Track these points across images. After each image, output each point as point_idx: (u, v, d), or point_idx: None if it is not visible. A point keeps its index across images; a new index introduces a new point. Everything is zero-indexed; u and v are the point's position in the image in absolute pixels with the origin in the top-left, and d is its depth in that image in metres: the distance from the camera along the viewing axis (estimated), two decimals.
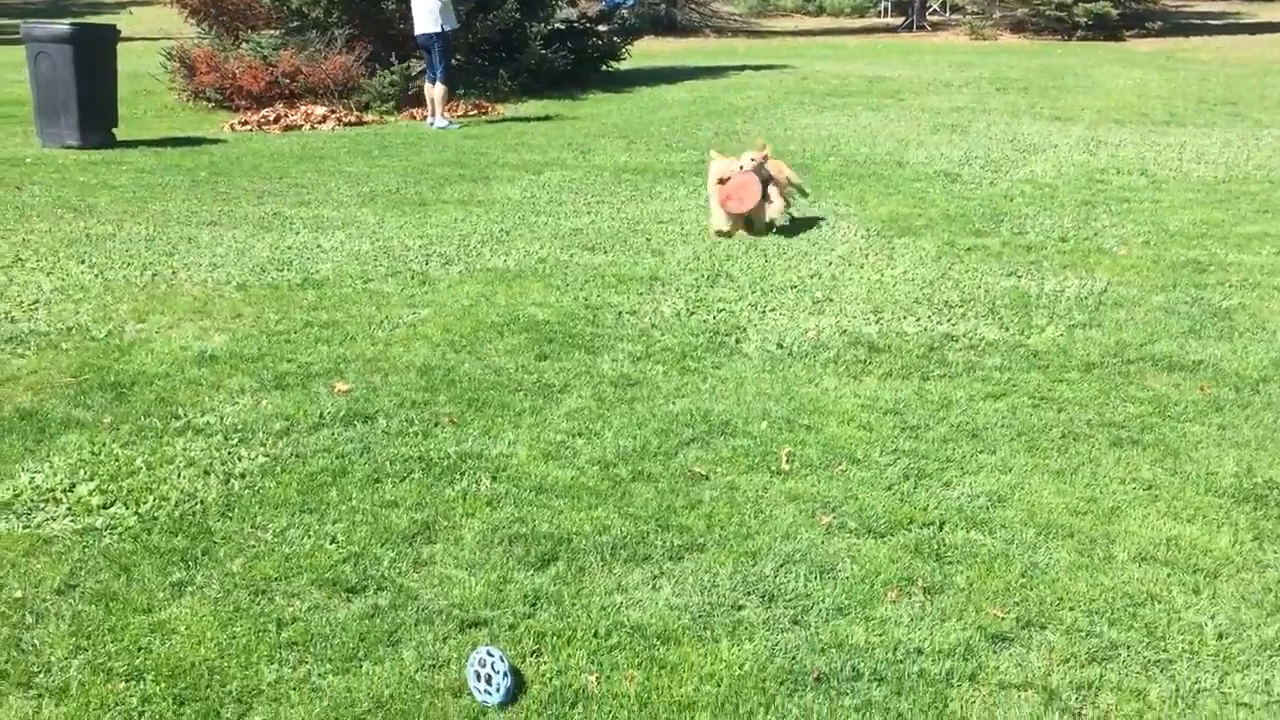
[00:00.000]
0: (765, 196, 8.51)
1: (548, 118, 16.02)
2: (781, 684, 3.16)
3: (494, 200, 10.26)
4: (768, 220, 8.72)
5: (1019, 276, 7.55)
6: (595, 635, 3.37)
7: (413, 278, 7.59)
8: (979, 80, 20.62)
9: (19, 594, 3.53)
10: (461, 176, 11.34)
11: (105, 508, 4.13)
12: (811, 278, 7.57)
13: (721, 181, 8.44)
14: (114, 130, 12.76)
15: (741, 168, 8.43)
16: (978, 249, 8.30)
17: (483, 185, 10.95)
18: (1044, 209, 9.66)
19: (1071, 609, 3.59)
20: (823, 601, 3.60)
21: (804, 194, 9.57)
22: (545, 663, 3.24)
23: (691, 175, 11.49)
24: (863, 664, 3.26)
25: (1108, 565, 3.86)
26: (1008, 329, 6.44)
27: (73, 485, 4.28)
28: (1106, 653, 3.36)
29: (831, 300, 7.04)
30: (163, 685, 3.09)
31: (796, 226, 9.11)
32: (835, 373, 5.76)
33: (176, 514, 4.10)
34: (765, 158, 8.60)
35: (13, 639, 3.29)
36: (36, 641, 3.28)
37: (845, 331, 6.41)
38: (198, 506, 4.16)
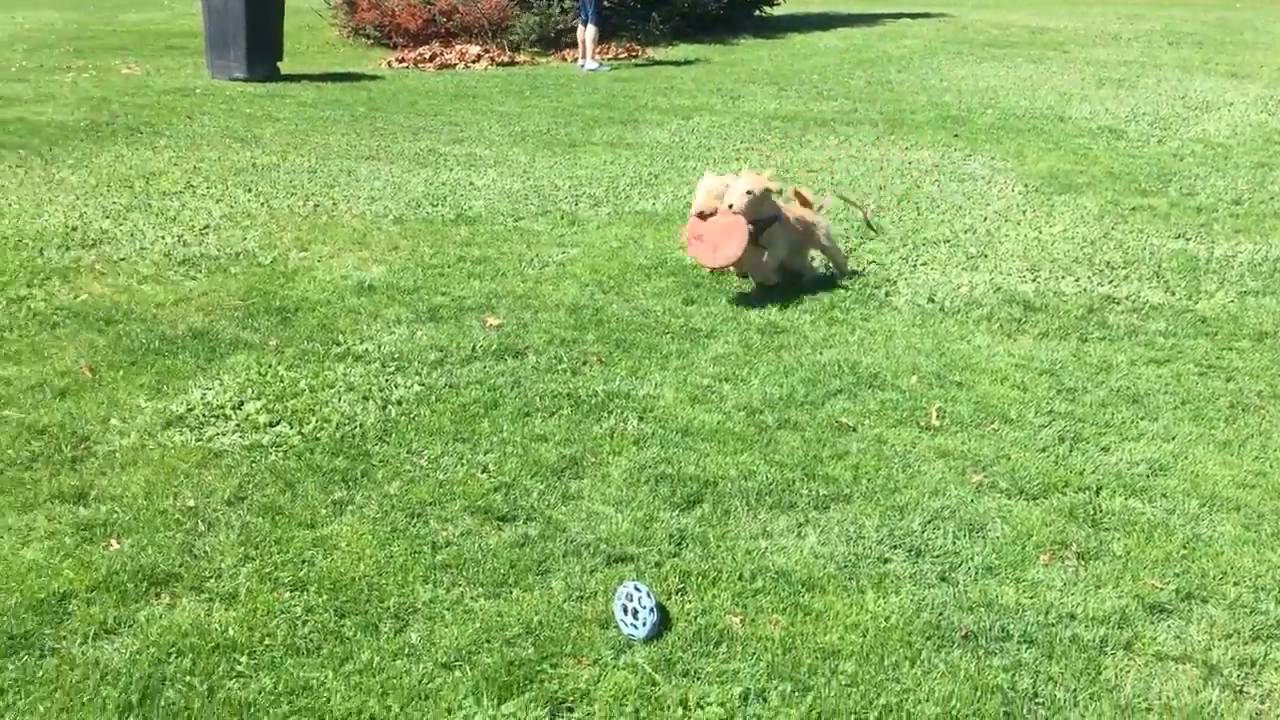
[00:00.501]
0: (755, 242, 5.97)
1: (698, 62, 15.89)
2: (928, 639, 3.13)
3: (643, 143, 10.26)
4: (761, 280, 6.19)
5: (1187, 239, 7.22)
6: (740, 578, 3.39)
7: (562, 218, 7.65)
8: (1149, 33, 19.67)
9: (192, 503, 3.71)
10: (611, 119, 11.36)
11: (271, 426, 4.31)
12: (966, 232, 7.38)
13: (701, 217, 5.91)
14: (279, 64, 13.14)
15: (730, 206, 5.81)
16: (1143, 209, 7.97)
17: (632, 128, 10.95)
18: (1216, 170, 9.21)
19: (1235, 584, 3.46)
20: (972, 560, 3.54)
21: (841, 270, 6.51)
22: (690, 601, 3.28)
23: (842, 125, 11.29)
24: (1012, 625, 3.20)
25: (1277, 541, 3.70)
26: (1174, 293, 6.18)
27: (241, 403, 4.47)
28: (1272, 630, 3.24)
29: (986, 256, 6.86)
30: (325, 597, 3.22)
31: (951, 179, 8.88)
32: (989, 330, 5.62)
33: (337, 435, 4.25)
34: (769, 190, 5.97)
35: (186, 545, 3.46)
36: (208, 549, 3.45)
37: (1000, 289, 6.24)
38: (357, 430, 4.31)
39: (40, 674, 2.81)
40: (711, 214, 5.83)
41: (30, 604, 3.09)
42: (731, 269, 6.14)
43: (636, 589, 3.16)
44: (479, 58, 15.25)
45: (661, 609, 3.17)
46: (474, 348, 5.20)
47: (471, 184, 8.48)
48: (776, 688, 2.90)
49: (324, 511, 3.69)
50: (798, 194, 6.51)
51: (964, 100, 12.69)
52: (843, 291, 6.17)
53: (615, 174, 8.98)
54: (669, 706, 2.81)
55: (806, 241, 6.33)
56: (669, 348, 5.30)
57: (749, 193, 5.83)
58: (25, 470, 3.84)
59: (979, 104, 12.45)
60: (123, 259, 6.23)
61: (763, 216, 5.97)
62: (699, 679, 2.93)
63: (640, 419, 4.50)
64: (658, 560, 3.49)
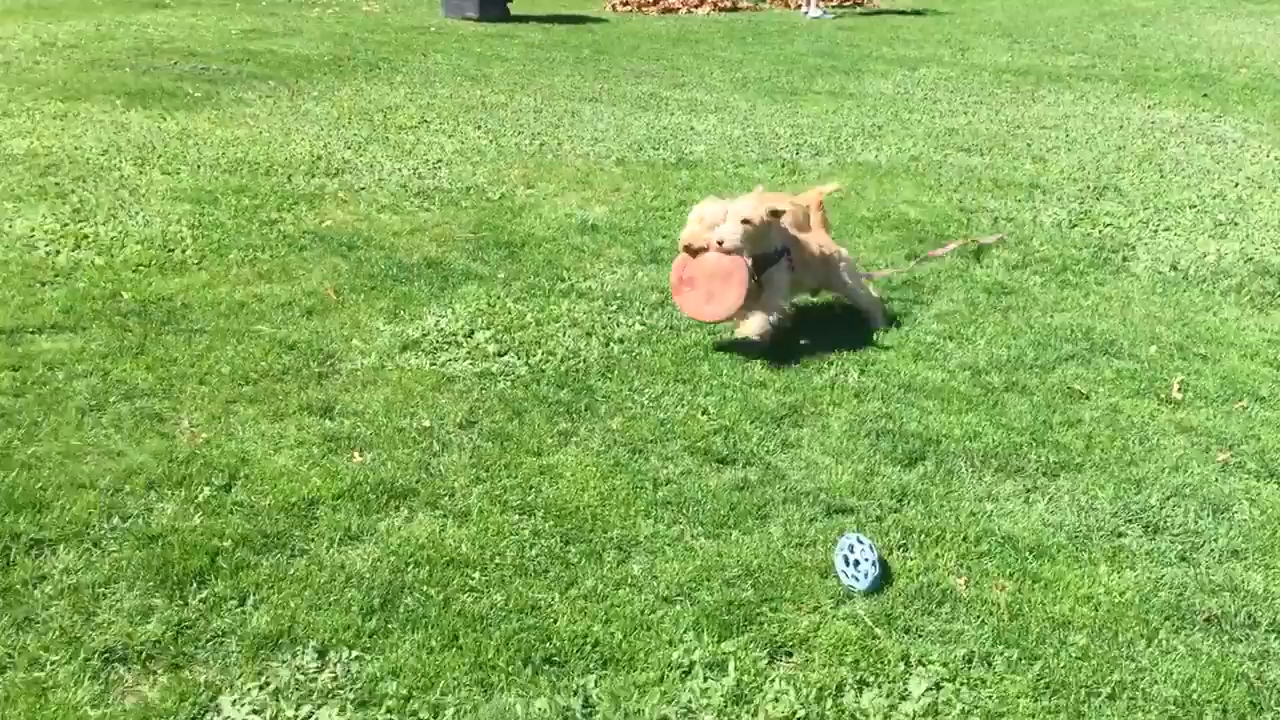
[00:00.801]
0: (762, 288, 4.50)
1: (926, 12, 15.38)
2: (1166, 619, 2.99)
3: (865, 94, 10.03)
4: (745, 335, 4.46)
5: None
6: (964, 539, 3.31)
7: (782, 166, 7.58)
8: None
9: (427, 424, 3.87)
10: (833, 68, 11.15)
11: (500, 355, 4.44)
12: (1214, 198, 6.93)
13: (690, 252, 4.48)
14: (509, 5, 13.41)
15: (720, 243, 4.37)
16: None
17: (854, 78, 10.71)
18: None
19: None
20: (1215, 541, 3.35)
21: (872, 318, 4.87)
22: (912, 558, 3.22)
23: (1079, 80, 10.75)
24: (1260, 612, 3.02)
25: None
26: None
27: (471, 331, 4.63)
28: None
29: (1236, 224, 6.43)
30: (551, 523, 3.31)
31: (1198, 142, 8.34)
32: (1237, 302, 5.28)
33: (562, 369, 4.34)
34: (778, 214, 4.51)
35: (423, 463, 3.62)
36: (442, 468, 3.60)
37: (1251, 259, 5.85)
38: (581, 364, 4.39)
39: (292, 571, 3.00)
40: (702, 250, 4.46)
41: (282, 506, 3.29)
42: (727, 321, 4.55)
43: (859, 541, 3.13)
44: (701, 2, 15.19)
45: (883, 563, 3.13)
46: None
47: (692, 129, 8.48)
48: (1002, 653, 2.83)
49: (550, 441, 3.79)
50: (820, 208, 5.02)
51: (1215, 58, 11.88)
52: (1075, 253, 5.91)
53: (837, 124, 8.82)
54: (890, 661, 2.78)
55: (825, 278, 4.87)
56: (891, 301, 5.19)
57: (746, 222, 4.39)
58: (276, 382, 4.08)
59: (1232, 62, 11.63)
60: (363, 188, 6.51)
61: (767, 250, 4.53)
62: (920, 636, 2.89)
63: (861, 372, 4.43)
64: (878, 514, 3.44)
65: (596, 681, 2.67)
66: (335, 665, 2.67)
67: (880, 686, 2.71)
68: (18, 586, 2.84)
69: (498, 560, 3.12)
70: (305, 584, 2.94)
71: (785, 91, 9.99)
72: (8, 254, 5.03)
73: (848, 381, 4.35)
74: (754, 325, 4.42)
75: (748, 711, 2.61)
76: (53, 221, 5.49)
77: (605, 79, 10.18)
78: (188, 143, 7.16)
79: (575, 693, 2.63)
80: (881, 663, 2.78)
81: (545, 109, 8.86)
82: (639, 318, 4.88)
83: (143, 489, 3.31)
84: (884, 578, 3.10)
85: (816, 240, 4.86)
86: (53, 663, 2.59)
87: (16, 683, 2.52)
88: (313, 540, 3.15)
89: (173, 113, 7.96)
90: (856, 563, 3.08)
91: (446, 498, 3.42)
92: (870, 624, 2.92)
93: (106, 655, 2.63)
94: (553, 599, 2.96)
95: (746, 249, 4.41)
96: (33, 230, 5.34)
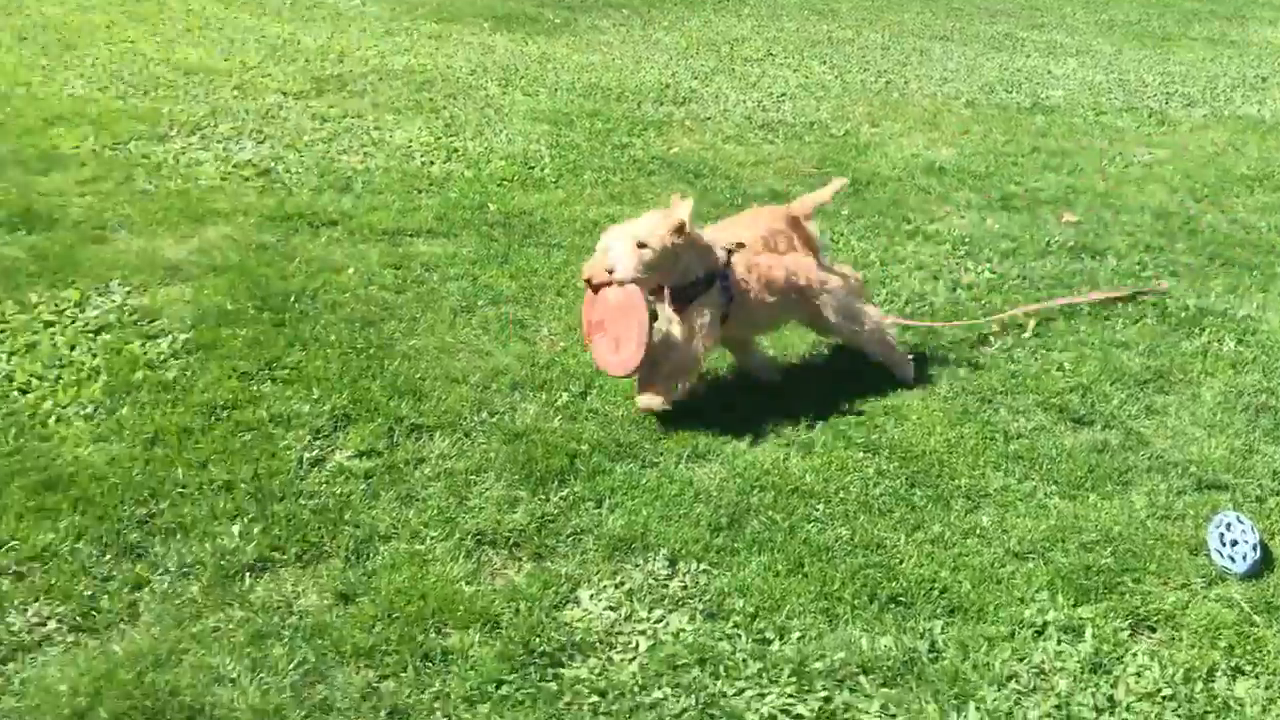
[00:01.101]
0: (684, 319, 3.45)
1: None
2: None
3: (1250, 42, 9.15)
4: (646, 408, 3.40)
5: None
6: None
7: (1150, 116, 7.06)
8: None
9: (771, 354, 3.87)
10: (1213, 12, 10.23)
11: None
12: None
13: (592, 288, 3.41)
14: None
15: (611, 272, 3.35)
16: None
17: (1238, 24, 9.79)
18: None
19: None
20: None
21: (893, 366, 3.72)
22: None
23: None
24: None
25: None
26: None
27: None
28: None
29: None
30: (895, 464, 3.25)
31: None
32: None
33: (906, 311, 4.23)
34: (680, 231, 3.37)
35: (767, 391, 3.63)
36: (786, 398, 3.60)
37: None
38: (926, 308, 4.27)
39: (644, 481, 3.09)
40: (604, 285, 3.38)
41: (633, 419, 3.39)
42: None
43: (1238, 520, 2.89)
44: None
45: (1264, 547, 2.88)
46: (1048, 242, 4.96)
47: (1049, 72, 8.03)
48: None
49: (894, 382, 3.71)
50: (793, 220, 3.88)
51: None
52: None
53: (1214, 73, 8.10)
54: (1270, 651, 2.56)
55: (796, 313, 3.68)
56: (1273, 268, 4.76)
57: (642, 246, 3.34)
58: None
59: None
60: (708, 118, 6.57)
61: (687, 280, 3.44)
62: None
63: (1238, 341, 4.08)
64: (1259, 495, 3.17)
65: (943, 628, 2.61)
66: (685, 575, 2.74)
67: (1258, 677, 2.50)
68: (400, 465, 3.08)
69: (841, 495, 3.09)
70: (656, 495, 3.03)
71: (1156, 36, 9.27)
72: (389, 161, 5.42)
73: (1222, 350, 4.02)
74: (652, 400, 3.38)
75: (1107, 682, 2.48)
76: (427, 134, 5.86)
77: (957, 17, 9.79)
78: (546, 66, 7.45)
79: (921, 635, 2.58)
80: (1260, 652, 2.56)
81: (893, 46, 8.62)
82: (988, 265, 4.69)
83: (508, 388, 3.50)
84: (1264, 562, 2.85)
85: (784, 265, 3.62)
86: (431, 538, 2.80)
87: (400, 552, 2.74)
88: (662, 454, 3.23)
89: (534, 37, 8.30)
90: (1234, 543, 2.85)
91: (790, 428, 3.42)
92: (1248, 609, 2.70)
93: (478, 537, 2.81)
94: (898, 540, 2.91)
95: (647, 279, 3.37)
96: (410, 141, 5.73)
